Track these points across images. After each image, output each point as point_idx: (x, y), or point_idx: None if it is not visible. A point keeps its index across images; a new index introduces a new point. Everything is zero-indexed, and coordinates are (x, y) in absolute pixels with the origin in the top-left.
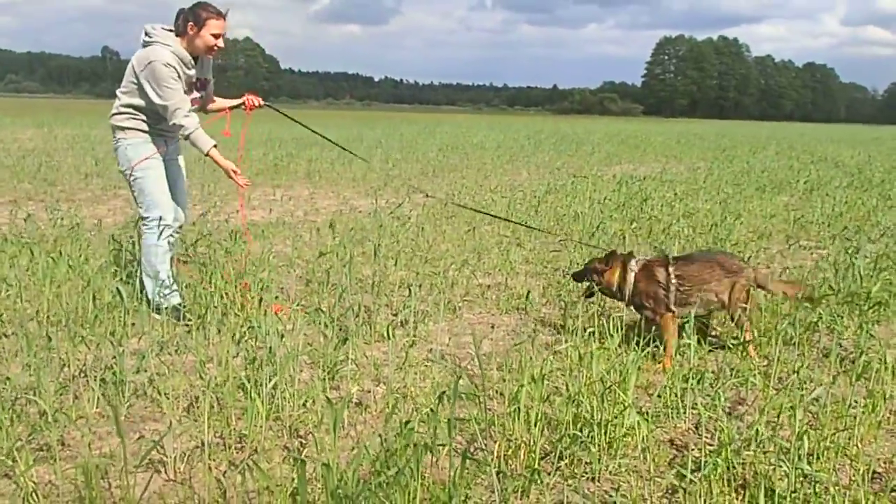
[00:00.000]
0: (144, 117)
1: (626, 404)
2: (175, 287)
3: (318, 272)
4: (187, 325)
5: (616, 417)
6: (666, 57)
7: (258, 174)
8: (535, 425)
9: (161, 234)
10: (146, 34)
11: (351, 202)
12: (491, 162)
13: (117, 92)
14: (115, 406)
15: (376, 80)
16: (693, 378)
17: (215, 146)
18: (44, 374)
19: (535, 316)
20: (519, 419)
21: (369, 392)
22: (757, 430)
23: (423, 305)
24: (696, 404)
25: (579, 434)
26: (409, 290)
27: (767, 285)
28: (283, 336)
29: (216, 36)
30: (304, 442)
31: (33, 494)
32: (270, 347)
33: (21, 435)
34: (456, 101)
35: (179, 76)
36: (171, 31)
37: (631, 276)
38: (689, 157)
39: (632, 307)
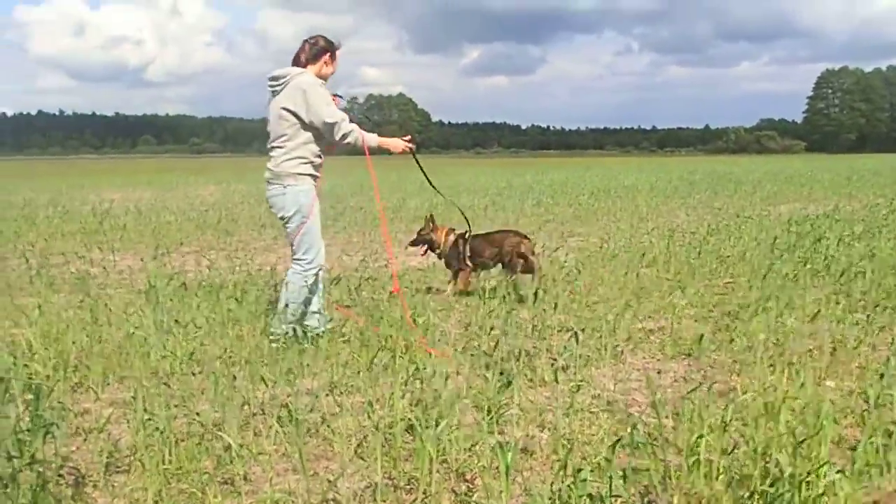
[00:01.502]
0: (311, 161)
1: (824, 460)
2: (324, 318)
3: (476, 316)
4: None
5: (811, 474)
6: (829, 90)
7: (413, 221)
8: (717, 479)
9: (316, 275)
10: (278, 78)
11: None
12: (645, 204)
13: (276, 143)
14: (299, 445)
15: (523, 128)
16: None
17: (375, 137)
18: (228, 410)
19: (706, 362)
20: (699, 472)
21: (534, 438)
22: None
23: (584, 350)
24: None
25: (770, 491)
26: (573, 334)
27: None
28: (447, 378)
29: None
30: (471, 486)
31: None
32: (436, 389)
33: (208, 469)
34: (604, 146)
35: None
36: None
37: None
38: (863, 195)
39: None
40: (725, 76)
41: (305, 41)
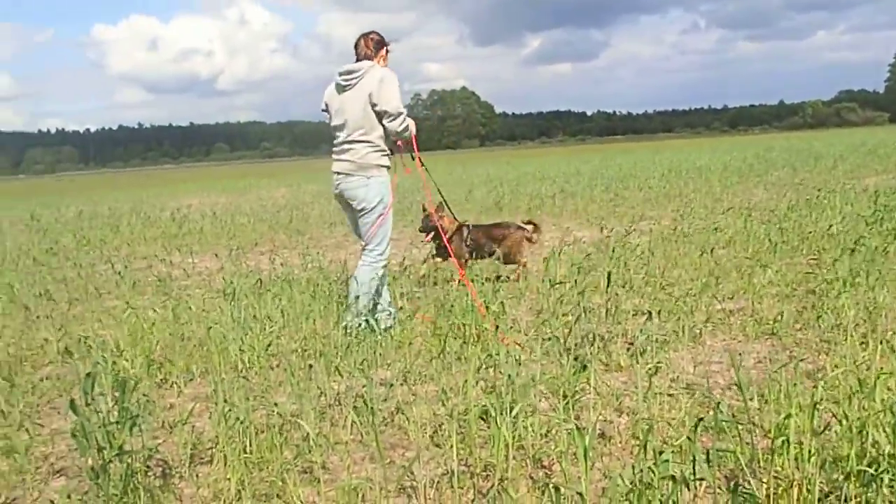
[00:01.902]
0: (388, 154)
1: None
2: (394, 310)
3: (548, 302)
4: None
5: None
6: None
7: (481, 213)
8: (809, 461)
9: (384, 267)
10: (353, 71)
11: (574, 233)
12: (719, 183)
13: (357, 136)
14: (375, 434)
15: (589, 114)
16: None
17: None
18: (305, 401)
19: (790, 341)
20: (788, 454)
21: (612, 423)
22: None
23: (661, 333)
24: None
25: (868, 471)
26: (649, 315)
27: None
28: (520, 364)
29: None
30: (549, 472)
31: None
32: (509, 376)
33: (288, 458)
34: (673, 128)
35: None
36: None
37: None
38: None
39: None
40: (799, 48)
41: (362, 36)
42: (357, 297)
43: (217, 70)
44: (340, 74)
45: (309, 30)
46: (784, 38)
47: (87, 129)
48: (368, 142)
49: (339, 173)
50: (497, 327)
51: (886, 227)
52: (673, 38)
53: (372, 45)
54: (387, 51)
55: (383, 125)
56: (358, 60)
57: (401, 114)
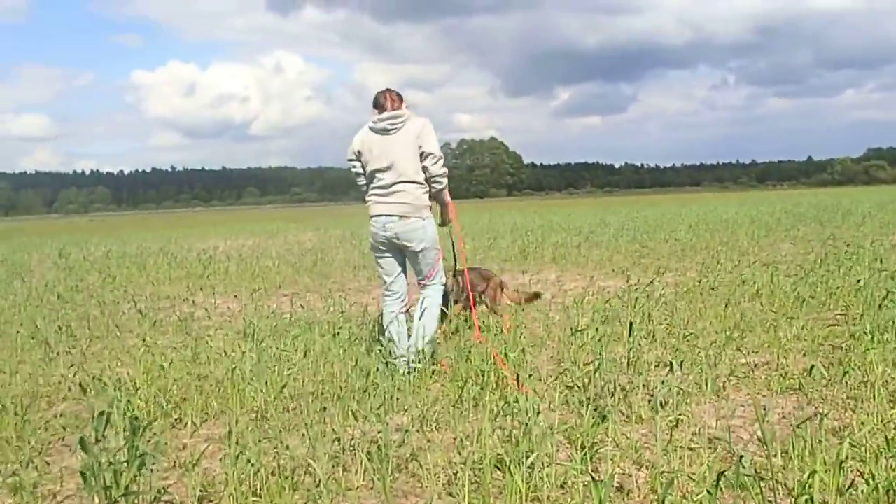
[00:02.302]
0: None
1: None
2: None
3: (569, 351)
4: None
5: None
6: None
7: (506, 261)
8: None
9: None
10: (397, 116)
11: (598, 283)
12: (746, 237)
13: (408, 178)
14: (385, 480)
15: (616, 166)
16: None
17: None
18: (319, 445)
19: (816, 397)
20: None
21: (630, 476)
22: None
23: (683, 385)
24: None
25: None
26: (671, 367)
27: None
28: (538, 413)
29: None
30: None
31: None
32: (527, 424)
33: (297, 502)
34: (700, 182)
35: None
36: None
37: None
38: None
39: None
40: (828, 105)
41: (382, 92)
42: (424, 329)
43: (252, 116)
44: (384, 119)
45: (345, 79)
46: (813, 96)
47: (121, 171)
48: (419, 183)
49: (390, 215)
50: (518, 376)
51: None
52: (702, 94)
53: (397, 98)
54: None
55: (425, 167)
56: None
57: (442, 157)
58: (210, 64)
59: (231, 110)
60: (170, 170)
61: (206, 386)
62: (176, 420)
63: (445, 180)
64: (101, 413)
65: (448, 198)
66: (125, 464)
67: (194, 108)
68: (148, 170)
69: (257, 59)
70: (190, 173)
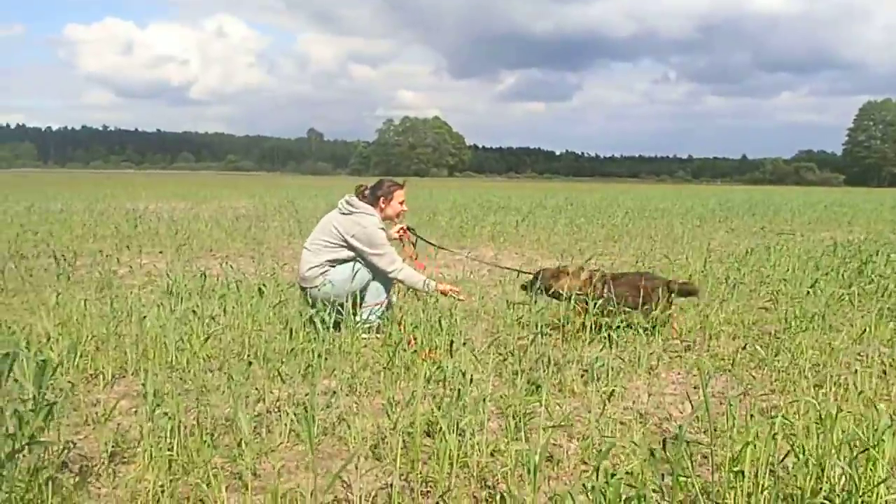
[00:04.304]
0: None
1: (883, 477)
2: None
3: (504, 325)
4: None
5: (870, 489)
6: (871, 122)
7: (444, 237)
8: (762, 493)
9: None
10: (348, 203)
11: (536, 262)
12: (680, 226)
13: (312, 248)
14: (310, 441)
15: (557, 153)
16: None
17: (425, 281)
18: (242, 404)
19: (745, 377)
20: (742, 485)
21: (561, 447)
22: None
23: (617, 362)
24: None
25: None
26: (604, 344)
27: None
28: (471, 380)
29: (401, 202)
30: (492, 492)
31: None
32: (459, 391)
33: (217, 462)
34: (638, 174)
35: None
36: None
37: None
38: None
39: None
40: (764, 107)
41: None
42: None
43: (190, 79)
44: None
45: (287, 47)
46: (750, 96)
47: (49, 128)
48: (316, 255)
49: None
50: (415, 339)
51: (843, 274)
52: (644, 87)
53: (371, 197)
54: (390, 199)
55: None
56: None
57: (381, 260)
58: (149, 23)
59: (169, 72)
60: (101, 129)
61: (125, 341)
62: (91, 375)
63: (401, 277)
64: (6, 354)
65: (418, 284)
66: (32, 413)
67: (130, 68)
68: (78, 127)
69: (199, 21)
70: (122, 134)
